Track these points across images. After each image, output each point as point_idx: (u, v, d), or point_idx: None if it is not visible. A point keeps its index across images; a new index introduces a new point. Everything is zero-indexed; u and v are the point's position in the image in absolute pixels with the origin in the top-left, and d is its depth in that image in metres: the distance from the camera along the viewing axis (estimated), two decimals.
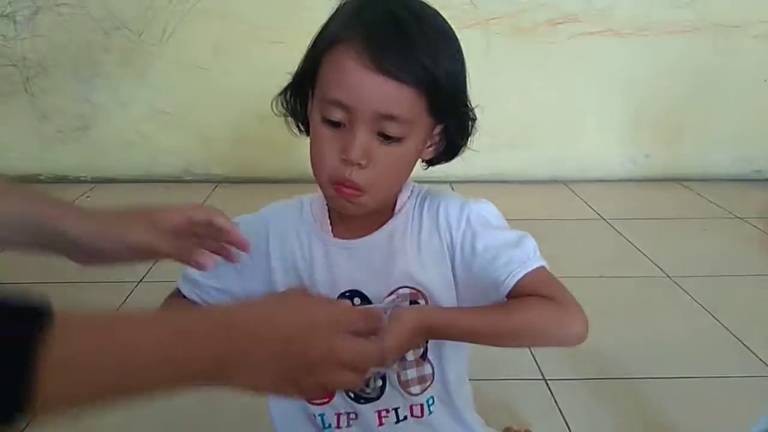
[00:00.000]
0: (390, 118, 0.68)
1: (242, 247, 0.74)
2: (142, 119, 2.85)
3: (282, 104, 0.80)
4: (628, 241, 2.32)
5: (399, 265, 0.78)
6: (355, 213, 0.75)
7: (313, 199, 0.84)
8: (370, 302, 0.78)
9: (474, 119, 0.76)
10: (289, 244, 0.81)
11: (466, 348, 0.85)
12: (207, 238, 0.73)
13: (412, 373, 0.81)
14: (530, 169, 2.95)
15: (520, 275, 0.73)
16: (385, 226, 0.80)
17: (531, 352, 1.54)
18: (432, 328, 0.69)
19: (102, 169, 2.90)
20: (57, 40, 2.73)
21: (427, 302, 0.78)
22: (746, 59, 2.86)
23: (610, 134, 3.00)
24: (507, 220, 0.81)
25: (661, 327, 1.73)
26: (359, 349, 0.60)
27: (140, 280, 1.94)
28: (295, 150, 3.01)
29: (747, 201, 2.79)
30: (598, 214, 2.60)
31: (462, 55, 0.73)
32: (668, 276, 2.02)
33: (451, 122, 0.74)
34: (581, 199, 2.78)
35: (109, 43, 2.75)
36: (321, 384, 0.58)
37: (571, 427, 1.33)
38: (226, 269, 0.79)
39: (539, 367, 1.51)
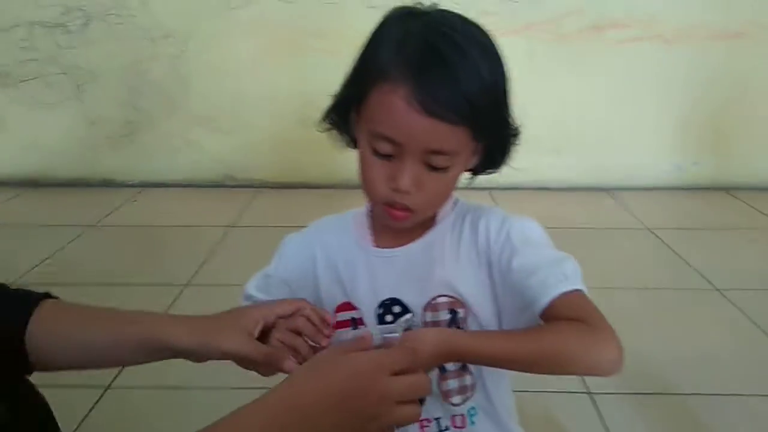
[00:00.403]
0: (438, 152, 0.70)
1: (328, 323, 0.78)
2: (186, 125, 2.91)
3: (328, 120, 0.81)
4: (674, 251, 2.27)
5: (437, 274, 0.79)
6: (404, 227, 0.78)
7: (357, 212, 0.86)
8: (408, 310, 0.79)
9: (516, 134, 0.77)
10: (333, 256, 0.84)
11: None
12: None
13: (452, 384, 0.80)
14: (573, 177, 2.91)
15: (554, 295, 0.71)
16: (424, 236, 0.81)
17: None
18: (452, 351, 0.69)
19: (148, 173, 2.97)
20: (106, 49, 2.81)
21: (466, 312, 0.78)
22: None
23: (656, 141, 2.95)
24: (548, 228, 0.81)
25: (709, 341, 1.69)
26: (409, 383, 0.61)
27: (187, 284, 1.98)
28: (337, 156, 3.02)
29: None
30: (643, 223, 2.56)
31: (504, 67, 0.73)
32: (716, 289, 1.97)
33: (492, 141, 0.76)
34: (625, 207, 2.74)
35: (156, 50, 2.83)
36: (386, 424, 0.61)
37: None
38: (277, 289, 0.84)
39: (584, 380, 1.49)
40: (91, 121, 2.89)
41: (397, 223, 0.75)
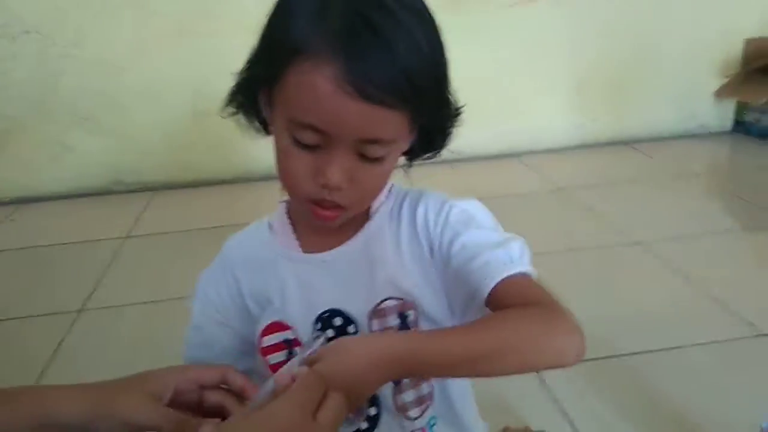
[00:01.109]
0: (373, 142, 0.59)
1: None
2: (62, 129, 2.62)
3: (234, 103, 0.67)
4: (589, 209, 2.28)
5: (380, 275, 0.69)
6: (333, 226, 0.67)
7: (273, 216, 0.75)
8: (352, 321, 0.69)
9: (458, 113, 0.67)
10: (257, 274, 0.73)
11: None
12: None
13: (409, 396, 0.71)
14: (480, 145, 2.88)
15: (498, 279, 0.63)
16: (359, 233, 0.71)
17: None
18: (395, 360, 0.56)
19: (23, 187, 2.66)
20: None
21: (416, 313, 0.69)
22: (684, 16, 2.86)
23: (556, 102, 2.97)
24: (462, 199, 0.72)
25: (638, 297, 1.69)
26: (333, 413, 0.51)
27: (81, 309, 1.76)
28: (235, 147, 2.87)
29: (696, 157, 2.81)
30: (555, 184, 2.56)
31: (441, 34, 0.62)
32: (635, 242, 1.99)
33: (433, 122, 0.65)
34: (535, 171, 2.74)
35: (17, 49, 2.51)
36: None
37: (570, 415, 1.26)
38: (219, 335, 0.74)
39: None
40: None
41: (325, 223, 0.65)
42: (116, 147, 2.68)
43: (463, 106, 0.67)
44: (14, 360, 1.53)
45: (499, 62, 2.80)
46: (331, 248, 0.70)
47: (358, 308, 0.69)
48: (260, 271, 0.72)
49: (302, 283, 0.70)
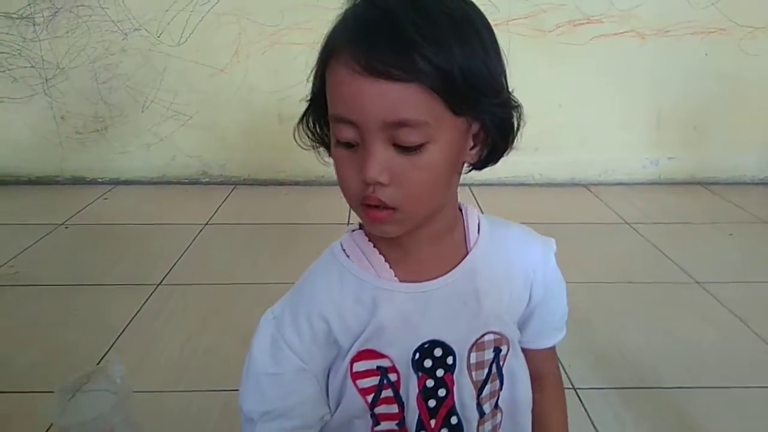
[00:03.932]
0: (400, 124, 0.57)
1: None
2: (159, 120, 2.84)
3: (306, 134, 0.68)
4: (653, 245, 2.26)
5: (485, 308, 0.69)
6: (397, 233, 0.64)
7: (348, 249, 0.71)
8: (451, 353, 0.69)
9: (516, 108, 0.64)
10: (346, 307, 0.68)
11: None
12: None
13: (488, 426, 0.73)
14: (551, 172, 2.91)
15: (551, 344, 0.76)
16: (462, 264, 0.69)
17: (559, 359, 1.50)
18: None
19: (119, 170, 2.89)
20: (75, 42, 2.72)
21: (509, 348, 0.71)
22: None
23: (633, 136, 2.96)
24: (528, 222, 0.76)
25: (690, 334, 1.68)
26: None
27: (159, 283, 1.91)
28: (311, 152, 3.00)
29: None
30: (621, 217, 2.55)
31: (485, 39, 0.62)
32: (697, 282, 1.97)
33: (487, 118, 0.63)
34: (603, 202, 2.73)
35: (127, 44, 2.75)
36: None
37: None
38: (290, 380, 0.68)
39: (568, 376, 1.47)
40: (60, 116, 2.80)
41: (385, 228, 0.63)
42: (205, 142, 2.88)
43: (519, 105, 0.65)
44: (96, 321, 1.70)
45: (579, 91, 2.82)
46: (428, 279, 0.68)
47: (459, 339, 0.69)
48: (349, 304, 0.69)
49: (400, 313, 0.68)
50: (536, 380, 0.77)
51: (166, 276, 1.95)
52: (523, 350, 0.73)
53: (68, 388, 0.73)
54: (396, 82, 0.55)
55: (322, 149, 0.68)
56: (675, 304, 1.87)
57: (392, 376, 0.69)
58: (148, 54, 2.76)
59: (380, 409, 0.70)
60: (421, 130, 0.58)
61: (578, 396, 1.41)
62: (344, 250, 0.70)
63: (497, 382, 0.73)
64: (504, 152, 0.66)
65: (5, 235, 2.30)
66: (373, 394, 0.69)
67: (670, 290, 1.95)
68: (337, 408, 0.70)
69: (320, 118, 0.65)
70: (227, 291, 1.88)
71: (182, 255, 2.12)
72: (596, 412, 1.36)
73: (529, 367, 0.75)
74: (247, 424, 0.68)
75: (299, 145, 0.68)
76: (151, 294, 1.83)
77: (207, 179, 2.93)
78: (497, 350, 0.70)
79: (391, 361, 0.68)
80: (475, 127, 0.63)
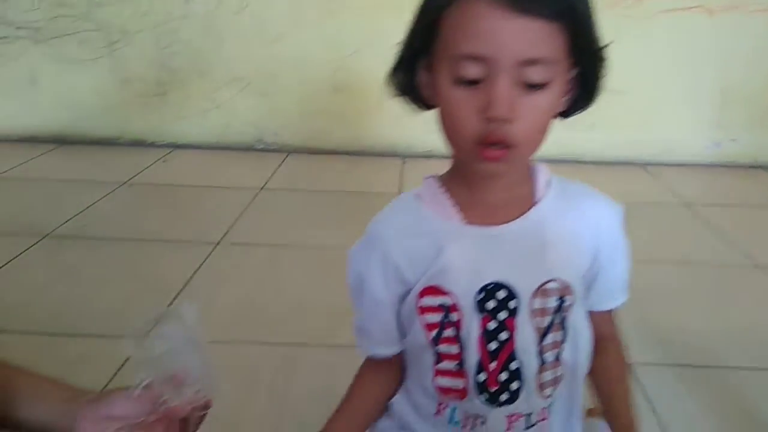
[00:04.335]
0: (534, 62, 0.60)
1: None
2: (217, 86, 2.89)
3: (394, 84, 0.72)
4: (712, 227, 2.21)
5: (550, 257, 0.71)
6: (504, 174, 0.68)
7: (422, 194, 0.75)
8: (515, 296, 0.71)
9: (605, 62, 0.68)
10: (414, 246, 0.72)
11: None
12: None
13: (548, 375, 0.74)
14: (607, 150, 2.85)
15: (613, 306, 0.77)
16: (529, 213, 0.71)
17: None
18: None
19: (178, 134, 2.96)
20: (139, 7, 2.78)
21: (572, 300, 0.72)
22: None
23: (695, 116, 2.87)
24: None
25: (749, 316, 1.65)
26: None
27: (218, 242, 1.97)
28: (365, 122, 3.03)
29: None
30: (681, 198, 2.50)
31: None
32: (756, 265, 1.92)
33: (588, 63, 0.66)
34: (662, 182, 2.68)
35: (189, 10, 2.79)
36: None
37: (657, 411, 1.28)
38: (372, 311, 0.75)
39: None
40: (123, 79, 2.88)
41: (494, 167, 0.65)
42: (261, 109, 2.92)
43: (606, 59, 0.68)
44: (159, 275, 1.76)
45: (641, 67, 2.75)
46: (496, 224, 0.71)
47: (523, 284, 0.70)
48: (417, 242, 0.72)
49: (466, 254, 0.70)
50: (599, 342, 0.77)
51: (224, 236, 2.00)
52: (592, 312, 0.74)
53: (144, 326, 0.77)
54: (540, 19, 0.58)
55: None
56: (734, 286, 1.83)
57: (454, 316, 0.71)
58: (209, 21, 2.80)
59: (442, 348, 0.73)
60: (550, 68, 0.61)
61: (633, 371, 1.40)
62: (415, 194, 0.75)
63: (560, 333, 0.73)
64: (589, 103, 0.70)
65: (73, 191, 2.40)
66: (436, 331, 0.72)
67: (729, 272, 1.91)
68: (406, 339, 0.76)
69: (410, 67, 0.68)
70: (282, 253, 1.92)
71: (239, 217, 2.17)
72: (652, 388, 1.35)
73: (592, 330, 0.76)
74: (358, 344, 0.80)
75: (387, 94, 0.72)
76: (211, 252, 1.89)
77: (261, 146, 2.97)
78: (561, 300, 0.71)
79: (454, 299, 0.71)
80: (572, 74, 0.66)
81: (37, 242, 1.92)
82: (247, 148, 2.96)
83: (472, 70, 0.61)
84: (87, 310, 1.56)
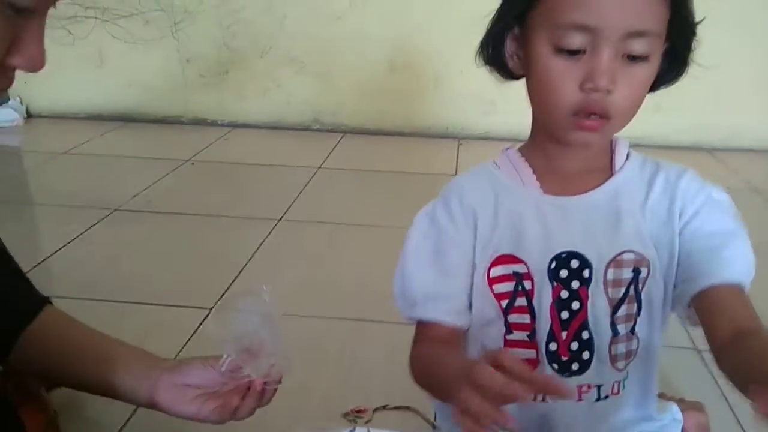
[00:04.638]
0: (640, 34, 0.61)
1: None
2: (277, 66, 2.91)
3: (482, 55, 0.72)
4: None
5: (626, 227, 0.70)
6: (598, 144, 0.69)
7: (499, 163, 0.76)
8: (588, 266, 0.70)
9: (695, 35, 0.69)
10: (491, 208, 0.73)
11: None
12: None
13: (621, 348, 0.74)
14: (673, 134, 2.76)
15: (728, 280, 0.66)
16: (606, 184, 0.72)
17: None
18: None
19: (238, 114, 3.01)
20: None
21: (649, 272, 0.71)
22: None
23: (762, 101, 2.75)
24: None
25: None
26: None
27: (281, 218, 2.00)
28: (423, 103, 3.02)
29: None
30: (749, 184, 2.40)
31: None
32: None
33: (681, 37, 0.67)
34: (728, 168, 2.58)
35: None
36: None
37: (726, 392, 1.25)
38: (443, 263, 0.73)
39: (691, 338, 1.42)
40: (185, 59, 2.94)
41: (588, 137, 0.66)
42: (319, 89, 2.93)
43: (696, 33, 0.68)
44: (224, 249, 1.81)
45: (711, 46, 2.63)
46: (573, 194, 0.71)
47: (597, 254, 0.70)
48: (494, 205, 0.73)
49: (542, 222, 0.71)
50: (739, 338, 0.63)
51: (285, 213, 2.03)
52: (698, 297, 0.67)
53: (225, 303, 0.81)
54: None
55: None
56: None
57: (527, 284, 0.72)
58: (270, 1, 2.82)
59: (513, 318, 0.73)
60: (652, 41, 0.62)
61: (702, 358, 1.37)
62: (493, 164, 0.76)
63: (634, 305, 0.73)
64: (678, 78, 0.72)
65: (138, 167, 2.47)
66: (507, 300, 0.72)
67: None
68: (472, 311, 0.74)
69: (500, 38, 0.69)
70: (342, 230, 1.95)
71: (299, 195, 2.20)
72: (720, 374, 1.32)
73: (721, 322, 0.65)
74: (408, 310, 0.74)
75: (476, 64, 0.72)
76: (273, 228, 1.92)
77: (318, 126, 2.99)
78: (637, 271, 0.71)
79: (528, 267, 0.71)
80: (665, 47, 0.66)
81: (107, 216, 1.99)
82: (304, 128, 2.98)
83: (576, 40, 0.61)
84: (155, 282, 1.61)
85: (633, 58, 0.62)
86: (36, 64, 0.54)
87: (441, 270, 0.73)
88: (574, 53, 0.62)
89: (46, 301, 0.82)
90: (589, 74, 0.61)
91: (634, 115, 0.67)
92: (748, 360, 0.60)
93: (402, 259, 0.75)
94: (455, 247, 0.73)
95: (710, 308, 0.66)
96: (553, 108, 0.65)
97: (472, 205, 0.73)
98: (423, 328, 0.74)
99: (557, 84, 0.63)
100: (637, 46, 0.61)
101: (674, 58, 0.68)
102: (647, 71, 0.64)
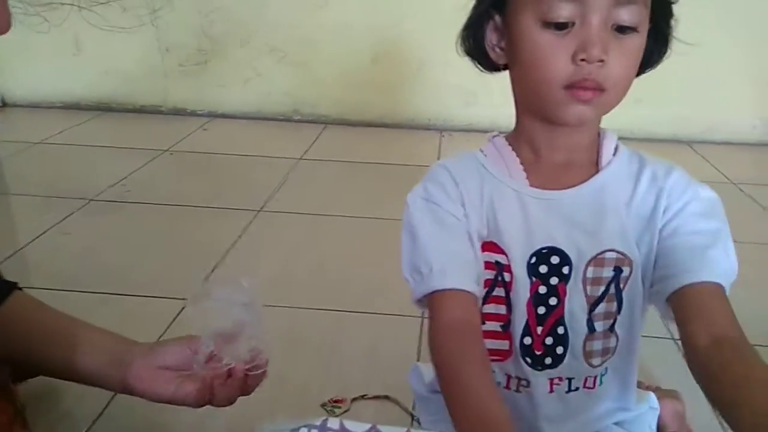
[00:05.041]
0: (627, 1, 0.61)
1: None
2: (257, 56, 2.88)
3: (463, 46, 0.72)
4: (760, 206, 2.16)
5: (610, 226, 0.70)
6: (591, 120, 0.67)
7: (486, 150, 0.75)
8: (569, 262, 0.70)
9: (673, 18, 0.69)
10: (476, 195, 0.72)
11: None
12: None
13: (597, 345, 0.74)
14: (653, 126, 2.78)
15: (714, 280, 0.64)
16: (592, 179, 0.71)
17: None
18: None
19: (217, 104, 2.97)
20: None
21: (631, 271, 0.71)
22: None
23: (739, 94, 2.78)
24: None
25: None
26: None
27: (260, 209, 1.99)
28: (404, 95, 3.01)
29: None
30: (726, 177, 2.43)
31: None
32: None
33: (662, 17, 0.67)
34: (707, 161, 2.61)
35: None
36: None
37: None
38: (448, 233, 0.70)
39: (668, 327, 1.44)
40: (164, 47, 2.90)
41: (583, 111, 0.64)
42: (299, 79, 2.91)
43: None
44: (203, 239, 1.79)
45: (689, 36, 2.66)
46: (558, 188, 0.71)
47: (578, 251, 0.70)
48: (480, 191, 0.72)
49: (525, 215, 0.70)
50: (719, 344, 0.61)
51: (265, 204, 2.02)
52: (674, 297, 0.66)
53: (203, 288, 0.80)
54: None
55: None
56: None
57: (506, 276, 0.71)
58: None
59: (489, 308, 0.73)
60: (641, 12, 0.62)
61: (679, 348, 1.37)
62: (479, 152, 0.75)
63: (614, 303, 0.73)
64: (659, 60, 0.71)
65: (116, 157, 2.43)
66: (486, 289, 0.72)
67: None
68: None
69: (479, 25, 0.69)
70: (323, 221, 1.93)
71: (280, 186, 2.18)
72: None
73: (698, 326, 0.63)
74: (422, 284, 0.69)
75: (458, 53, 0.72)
76: (253, 219, 1.91)
77: (299, 117, 2.97)
78: (618, 270, 0.70)
79: (508, 260, 0.71)
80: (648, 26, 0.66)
81: (83, 206, 1.96)
82: (285, 119, 2.96)
83: (564, 11, 0.61)
84: (133, 272, 1.59)
85: (622, 30, 0.62)
86: (2, 26, 0.53)
87: (453, 237, 0.70)
88: (562, 26, 0.61)
89: (13, 286, 0.80)
90: (580, 45, 0.61)
91: (626, 89, 0.66)
92: (730, 391, 0.57)
93: (408, 235, 0.72)
94: (456, 219, 0.71)
95: (687, 307, 0.65)
96: (544, 84, 0.64)
97: (460, 186, 0.72)
98: (440, 300, 0.68)
99: (548, 58, 0.62)
100: (626, 15, 0.61)
101: (657, 37, 0.68)
102: (637, 42, 0.63)
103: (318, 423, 0.55)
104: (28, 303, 0.82)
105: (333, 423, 0.54)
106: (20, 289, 0.82)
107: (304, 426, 0.55)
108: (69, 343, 0.80)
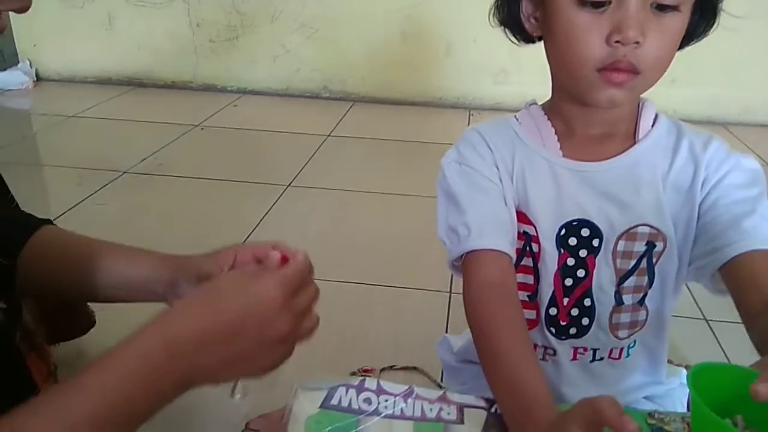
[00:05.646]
0: None
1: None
2: (286, 32, 2.88)
3: (496, 16, 0.70)
4: None
5: (644, 199, 0.67)
6: (624, 102, 0.64)
7: (521, 118, 0.73)
8: (599, 235, 0.68)
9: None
10: (509, 161, 0.70)
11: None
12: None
13: (624, 318, 0.72)
14: (687, 107, 2.72)
15: (762, 247, 0.61)
16: (628, 152, 0.68)
17: (690, 290, 1.45)
18: None
19: (247, 80, 2.99)
20: None
21: (665, 247, 0.68)
22: None
23: None
24: None
25: None
26: (310, 297, 0.58)
27: (289, 184, 2.00)
28: (434, 73, 2.98)
29: None
30: (764, 160, 2.37)
31: None
32: None
33: None
34: (743, 143, 2.55)
35: None
36: (295, 341, 0.57)
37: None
38: (484, 195, 0.69)
39: (699, 307, 1.42)
40: (196, 23, 2.91)
41: (616, 94, 0.62)
42: (328, 57, 2.90)
43: None
44: (233, 212, 1.81)
45: (726, 16, 2.59)
46: (593, 160, 0.68)
47: (610, 225, 0.68)
48: (512, 158, 0.70)
49: (557, 186, 0.69)
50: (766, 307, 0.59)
51: (294, 179, 2.03)
52: (727, 267, 0.63)
53: None
54: None
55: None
56: None
57: (534, 246, 0.71)
58: None
59: (517, 277, 0.71)
60: None
61: (710, 328, 1.37)
62: (516, 119, 0.73)
63: (645, 278, 0.71)
64: (706, 32, 0.67)
65: (148, 131, 2.47)
66: (515, 258, 0.71)
67: None
68: None
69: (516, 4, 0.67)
70: (350, 197, 1.94)
71: (308, 162, 2.19)
72: (729, 344, 1.32)
73: (754, 294, 0.60)
74: (459, 244, 0.67)
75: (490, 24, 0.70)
76: (282, 194, 1.92)
77: (327, 94, 2.97)
78: (651, 245, 0.69)
79: (536, 231, 0.70)
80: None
81: (116, 178, 2.00)
82: (314, 96, 2.96)
83: None
84: (164, 244, 1.59)
85: (662, 8, 0.59)
86: (24, 4, 0.53)
87: (488, 198, 0.68)
88: (599, 5, 0.59)
89: (46, 221, 0.79)
90: (616, 26, 0.58)
91: (664, 70, 0.63)
92: None
93: (444, 198, 0.71)
94: (490, 182, 0.69)
95: (740, 279, 0.62)
96: (577, 65, 0.62)
97: (493, 149, 0.70)
98: (477, 260, 0.66)
99: (582, 38, 0.60)
100: None
101: (704, 8, 0.64)
102: (678, 22, 0.60)
103: (356, 383, 0.56)
104: (61, 232, 0.81)
105: (370, 383, 0.55)
106: (53, 223, 0.82)
107: (342, 385, 0.56)
108: (116, 252, 0.79)
